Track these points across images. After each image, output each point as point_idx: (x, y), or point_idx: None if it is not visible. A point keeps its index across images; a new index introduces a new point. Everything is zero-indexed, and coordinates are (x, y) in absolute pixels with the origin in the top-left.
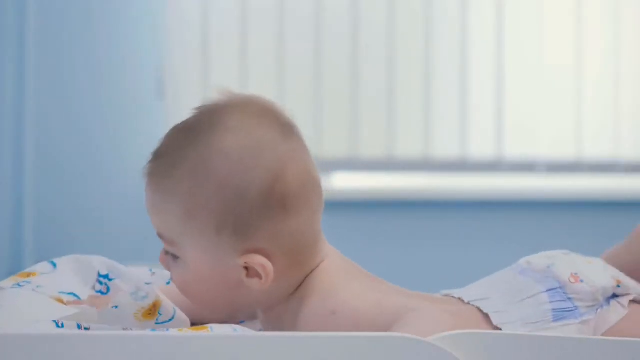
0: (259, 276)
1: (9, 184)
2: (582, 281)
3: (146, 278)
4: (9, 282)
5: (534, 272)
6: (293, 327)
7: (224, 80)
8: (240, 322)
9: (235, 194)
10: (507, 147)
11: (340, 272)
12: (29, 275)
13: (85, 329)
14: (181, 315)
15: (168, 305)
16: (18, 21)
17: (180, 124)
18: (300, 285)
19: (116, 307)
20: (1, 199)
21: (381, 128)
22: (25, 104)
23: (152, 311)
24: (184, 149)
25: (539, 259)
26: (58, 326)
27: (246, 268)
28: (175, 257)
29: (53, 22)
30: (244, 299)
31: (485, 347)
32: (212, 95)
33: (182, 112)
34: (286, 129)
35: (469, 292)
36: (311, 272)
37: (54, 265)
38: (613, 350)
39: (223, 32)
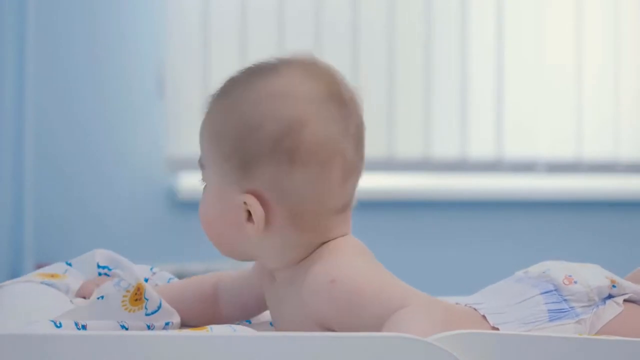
0: (253, 222)
1: (9, 184)
2: (576, 282)
3: (146, 275)
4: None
5: (529, 279)
6: (297, 295)
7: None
8: (246, 323)
9: (249, 129)
10: (507, 147)
11: (351, 248)
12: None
13: (83, 326)
14: (167, 306)
15: (152, 292)
16: (18, 21)
17: (254, 63)
18: (309, 255)
19: (102, 297)
20: (1, 199)
21: (382, 128)
22: (25, 104)
23: (139, 296)
24: (238, 81)
25: (535, 268)
26: (57, 326)
27: (248, 211)
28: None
29: (53, 22)
30: (244, 245)
31: (485, 346)
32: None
33: (182, 111)
34: (334, 98)
35: (462, 299)
36: (322, 244)
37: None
38: (610, 349)
39: (223, 32)
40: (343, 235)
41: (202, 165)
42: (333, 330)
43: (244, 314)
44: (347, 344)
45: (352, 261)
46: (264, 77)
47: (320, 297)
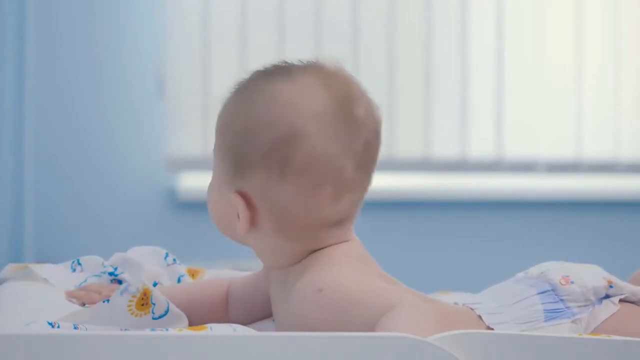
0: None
1: (9, 184)
2: (572, 282)
3: (159, 271)
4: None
5: (528, 279)
6: (287, 302)
7: (224, 80)
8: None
9: (249, 132)
10: (507, 147)
11: (341, 255)
12: None
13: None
14: (175, 309)
15: (160, 296)
16: (18, 21)
17: (275, 63)
18: (300, 262)
19: (107, 301)
20: (1, 199)
21: (382, 128)
22: (25, 104)
23: (145, 300)
24: (254, 80)
25: (534, 269)
26: (53, 327)
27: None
28: None
29: (53, 22)
30: (239, 237)
31: (485, 346)
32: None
33: (182, 111)
34: (341, 114)
35: (461, 299)
36: (318, 250)
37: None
38: (609, 348)
39: (223, 32)
40: (338, 243)
41: (214, 150)
42: None
43: (249, 318)
44: (347, 344)
45: (340, 269)
46: (276, 82)
47: (309, 306)
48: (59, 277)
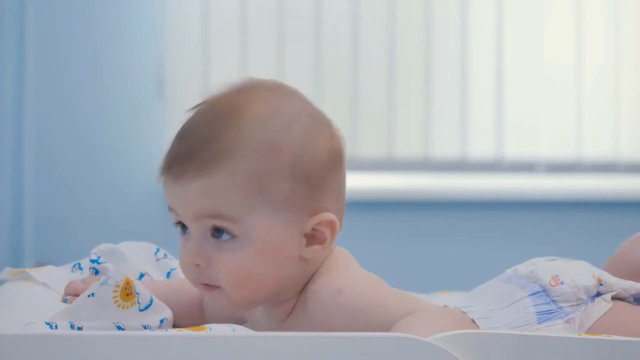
0: (319, 242)
1: (9, 184)
2: (562, 283)
3: (146, 264)
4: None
5: (518, 279)
6: (301, 315)
7: (223, 80)
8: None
9: (304, 155)
10: (507, 147)
11: (347, 261)
12: None
13: (79, 328)
14: (158, 301)
15: (141, 287)
16: (18, 21)
17: (208, 111)
18: (314, 274)
19: (92, 294)
20: (1, 199)
21: (381, 128)
22: (25, 104)
23: (129, 290)
24: (234, 129)
25: (523, 266)
26: (51, 328)
27: (306, 236)
28: (227, 238)
29: (53, 22)
30: (290, 277)
31: (485, 346)
32: (216, 88)
33: (182, 112)
34: (309, 102)
35: (455, 299)
36: (325, 260)
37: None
38: (609, 348)
39: (223, 32)
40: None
41: (233, 219)
42: None
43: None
44: (348, 344)
45: (353, 272)
46: (263, 111)
47: (327, 307)
48: (58, 280)
